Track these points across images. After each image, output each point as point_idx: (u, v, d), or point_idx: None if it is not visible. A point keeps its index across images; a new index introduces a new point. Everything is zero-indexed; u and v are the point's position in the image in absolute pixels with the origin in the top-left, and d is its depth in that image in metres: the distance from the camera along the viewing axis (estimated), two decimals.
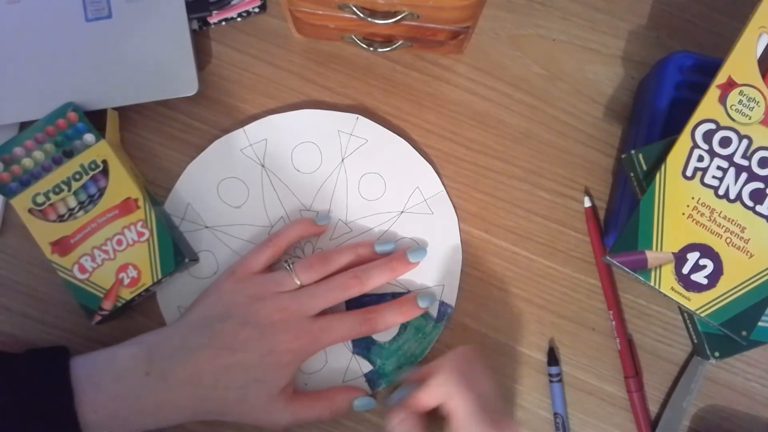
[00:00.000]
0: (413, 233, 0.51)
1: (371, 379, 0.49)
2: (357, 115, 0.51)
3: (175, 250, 0.47)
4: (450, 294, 0.50)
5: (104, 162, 0.47)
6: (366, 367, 0.49)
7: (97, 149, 0.47)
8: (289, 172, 0.51)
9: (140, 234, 0.47)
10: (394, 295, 0.50)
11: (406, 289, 0.50)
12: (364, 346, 0.49)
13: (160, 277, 0.47)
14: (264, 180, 0.51)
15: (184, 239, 0.50)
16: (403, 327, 0.49)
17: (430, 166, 0.51)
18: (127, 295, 0.47)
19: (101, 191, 0.47)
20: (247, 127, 0.51)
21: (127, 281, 0.47)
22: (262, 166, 0.51)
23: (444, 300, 0.50)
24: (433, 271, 0.50)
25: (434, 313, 0.50)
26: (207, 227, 0.50)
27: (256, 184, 0.51)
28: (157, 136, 0.52)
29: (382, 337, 0.50)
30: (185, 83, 0.50)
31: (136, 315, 0.50)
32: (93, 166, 0.47)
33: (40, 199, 0.47)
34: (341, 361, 0.49)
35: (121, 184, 0.47)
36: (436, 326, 0.50)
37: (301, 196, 0.51)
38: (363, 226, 0.51)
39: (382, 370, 0.49)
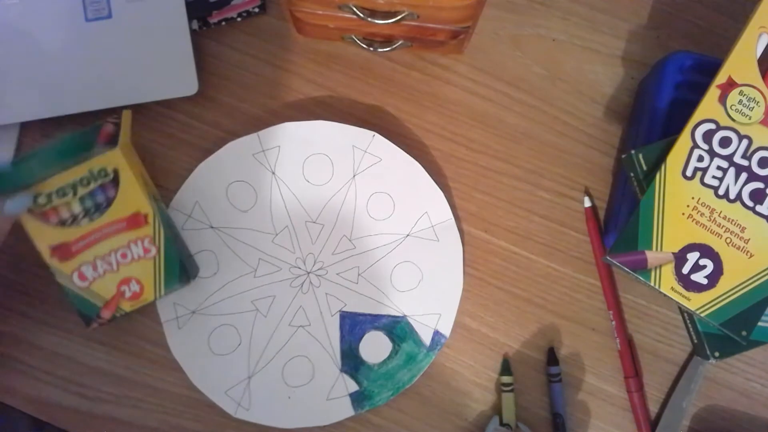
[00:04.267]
0: (416, 258, 0.50)
1: (356, 399, 0.49)
2: (374, 133, 0.50)
3: (181, 269, 0.46)
4: (446, 324, 0.49)
5: (115, 171, 0.45)
6: (352, 386, 0.49)
7: (110, 157, 0.45)
8: (298, 181, 0.51)
9: (146, 250, 0.46)
10: (389, 317, 0.50)
11: (402, 313, 0.50)
12: (352, 365, 0.49)
13: (163, 294, 0.46)
14: (273, 187, 0.51)
15: (189, 255, 0.49)
16: (395, 351, 0.49)
17: (441, 193, 0.50)
18: (127, 307, 0.46)
19: (109, 201, 0.45)
20: (261, 132, 0.50)
21: (128, 294, 0.46)
22: (273, 173, 0.51)
23: (439, 329, 0.49)
24: (432, 299, 0.50)
25: (428, 341, 0.49)
26: (212, 227, 0.50)
27: (265, 191, 0.51)
28: (157, 136, 0.52)
29: (372, 358, 0.49)
30: (185, 83, 0.50)
31: (135, 315, 0.50)
32: (103, 173, 0.45)
33: (42, 199, 0.44)
34: (328, 378, 0.49)
35: (132, 197, 0.45)
36: (428, 355, 0.49)
37: (308, 207, 0.51)
38: (367, 244, 0.51)
39: (367, 392, 0.49)
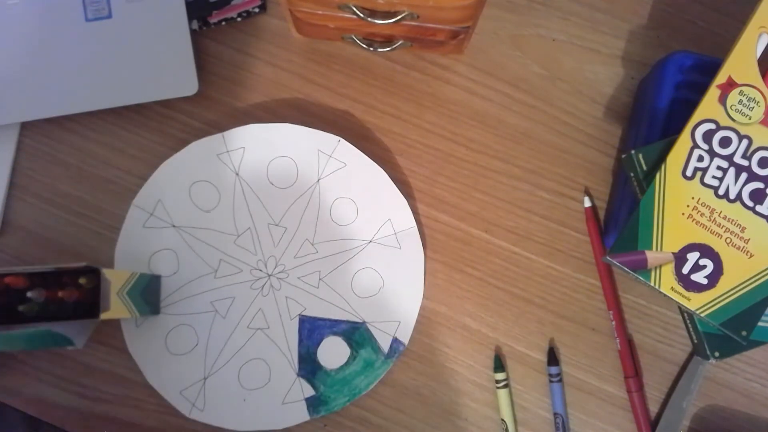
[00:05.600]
0: (378, 265, 0.50)
1: (312, 404, 0.48)
2: (339, 138, 0.50)
3: (151, 311, 0.47)
4: (404, 331, 0.49)
5: None
6: (308, 391, 0.49)
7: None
8: (262, 184, 0.51)
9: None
10: (348, 323, 0.50)
11: (361, 320, 0.50)
12: (310, 369, 0.49)
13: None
14: (236, 188, 0.50)
15: (157, 300, 0.49)
16: (353, 357, 0.49)
17: (405, 200, 0.50)
18: None
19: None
20: (226, 133, 0.50)
21: None
22: (237, 174, 0.50)
23: (397, 336, 0.49)
24: (392, 306, 0.50)
25: (386, 348, 0.49)
26: (174, 226, 0.50)
27: (228, 192, 0.50)
28: (157, 136, 0.52)
29: (330, 363, 0.49)
30: (185, 83, 0.50)
31: None
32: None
33: None
34: (284, 382, 0.49)
35: (115, 311, 0.43)
36: (386, 362, 0.49)
37: (271, 210, 0.51)
38: (329, 249, 0.50)
39: (324, 397, 0.49)
